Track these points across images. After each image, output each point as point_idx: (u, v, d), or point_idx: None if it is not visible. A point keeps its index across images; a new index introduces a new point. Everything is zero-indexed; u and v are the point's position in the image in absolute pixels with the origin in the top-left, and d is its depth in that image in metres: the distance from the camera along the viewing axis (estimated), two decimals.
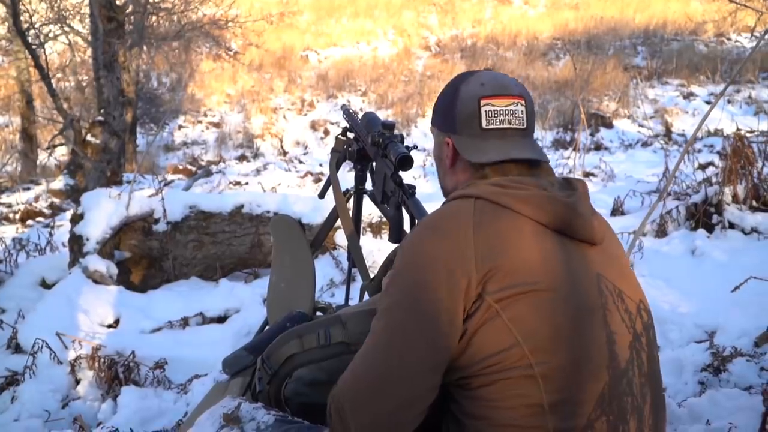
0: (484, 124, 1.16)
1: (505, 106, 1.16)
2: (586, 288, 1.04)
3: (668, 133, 8.70)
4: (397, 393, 0.98)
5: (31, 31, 8.76)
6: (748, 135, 4.29)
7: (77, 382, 2.44)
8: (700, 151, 6.32)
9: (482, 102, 1.16)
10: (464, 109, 1.17)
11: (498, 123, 1.16)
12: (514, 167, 1.15)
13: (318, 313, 1.74)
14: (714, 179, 3.87)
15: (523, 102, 1.17)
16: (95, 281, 3.20)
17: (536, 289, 1.00)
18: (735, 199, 3.59)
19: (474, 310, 1.00)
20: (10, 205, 7.08)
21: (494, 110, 1.16)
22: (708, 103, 9.76)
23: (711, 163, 5.20)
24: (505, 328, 0.98)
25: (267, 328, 1.72)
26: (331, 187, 1.92)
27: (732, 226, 3.50)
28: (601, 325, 1.03)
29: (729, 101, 9.31)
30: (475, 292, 1.00)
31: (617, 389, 1.01)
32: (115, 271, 3.31)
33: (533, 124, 1.19)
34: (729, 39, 13.10)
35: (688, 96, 10.35)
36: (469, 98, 1.17)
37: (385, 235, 3.74)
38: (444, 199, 1.24)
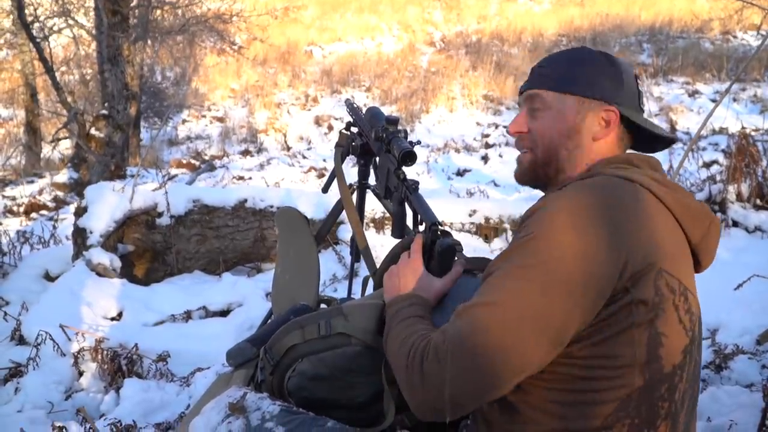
0: (641, 102, 1.15)
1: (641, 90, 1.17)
2: None
3: (673, 130, 8.68)
4: (509, 358, 0.91)
5: (36, 24, 8.78)
6: (753, 133, 4.27)
7: (80, 374, 2.45)
8: (704, 149, 6.30)
9: (638, 81, 1.15)
10: (630, 82, 1.12)
11: (643, 105, 1.15)
12: (655, 162, 1.12)
13: (322, 306, 1.75)
14: (718, 177, 3.86)
15: None
16: (99, 274, 3.21)
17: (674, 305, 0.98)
18: (739, 197, 3.59)
19: (614, 304, 0.94)
20: (14, 198, 7.10)
21: (641, 91, 1.15)
22: (713, 101, 9.73)
23: (715, 161, 5.20)
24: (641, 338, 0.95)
25: (271, 320, 1.72)
26: (335, 181, 1.92)
27: (736, 224, 3.49)
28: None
29: (734, 99, 9.28)
30: (622, 285, 0.94)
31: (653, 394, 0.98)
32: (118, 264, 3.32)
33: None
34: (735, 37, 13.04)
35: (693, 94, 10.32)
36: (629, 73, 1.13)
37: (388, 231, 3.74)
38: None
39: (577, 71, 1.13)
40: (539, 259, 0.94)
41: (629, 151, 1.17)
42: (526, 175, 1.18)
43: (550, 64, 1.16)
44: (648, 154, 1.15)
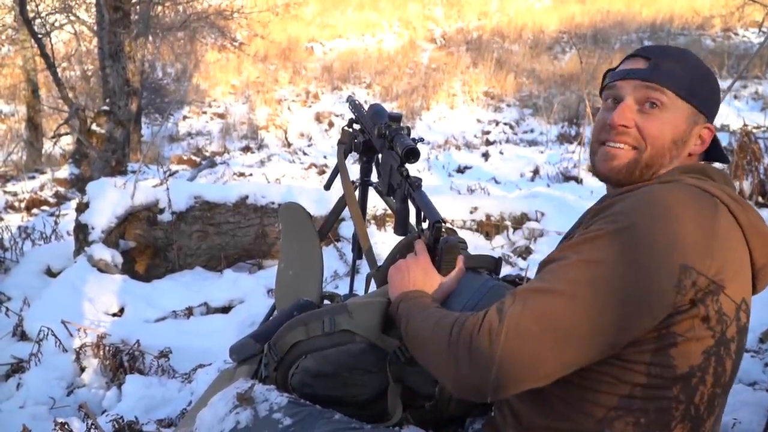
0: None
1: None
2: None
3: None
4: (562, 350, 0.90)
5: (38, 20, 8.77)
6: (754, 131, 4.26)
7: (82, 369, 2.46)
8: None
9: None
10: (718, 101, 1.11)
11: None
12: (729, 177, 1.10)
13: (325, 302, 1.75)
14: None
15: None
16: (100, 270, 3.21)
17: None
18: (741, 194, 3.58)
19: (679, 315, 0.92)
20: (15, 194, 7.11)
21: None
22: None
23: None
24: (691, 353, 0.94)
25: (274, 315, 1.72)
26: (338, 178, 1.92)
27: None
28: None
29: (736, 97, 9.27)
30: (690, 297, 0.92)
31: (693, 402, 0.96)
32: (120, 260, 3.33)
33: None
34: (736, 34, 13.02)
35: None
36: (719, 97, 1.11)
37: (390, 228, 3.74)
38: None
39: (702, 82, 1.08)
40: (603, 257, 0.91)
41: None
42: (620, 173, 1.08)
43: (679, 63, 1.08)
44: (719, 167, 1.12)
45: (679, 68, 1.07)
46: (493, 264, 1.28)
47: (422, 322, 1.05)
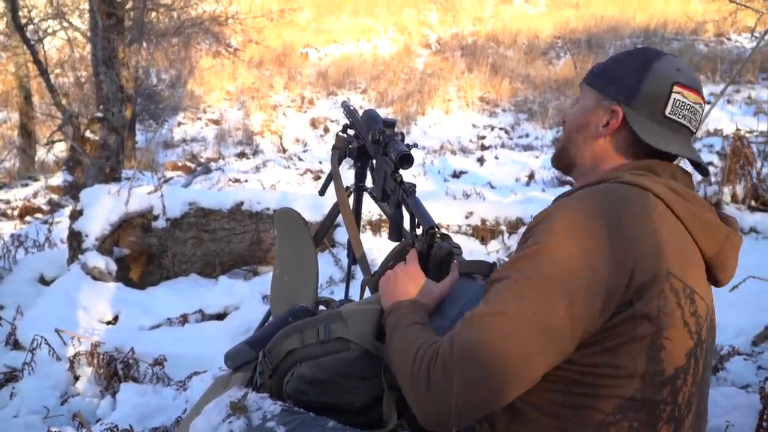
0: (667, 111, 1.08)
1: (693, 102, 1.10)
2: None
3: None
4: (516, 368, 0.91)
5: (30, 27, 8.76)
6: (747, 135, 4.29)
7: (76, 378, 2.44)
8: (700, 150, 6.32)
9: (675, 88, 1.08)
10: (652, 87, 1.08)
11: (680, 117, 1.09)
12: (680, 173, 1.10)
13: (321, 307, 1.74)
14: (713, 179, 3.88)
15: (704, 105, 1.12)
16: (94, 278, 3.20)
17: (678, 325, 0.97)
18: (734, 198, 3.60)
19: (618, 316, 0.94)
20: (8, 202, 7.08)
21: (683, 103, 1.09)
22: (708, 102, 9.74)
23: (710, 163, 5.21)
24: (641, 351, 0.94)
25: (269, 321, 1.72)
26: (332, 184, 1.92)
27: None
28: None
29: (729, 101, 9.32)
30: (628, 297, 0.94)
31: (654, 398, 0.97)
32: (114, 267, 3.31)
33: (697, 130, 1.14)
34: (729, 39, 13.10)
35: None
36: (662, 78, 1.08)
37: (385, 233, 3.74)
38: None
39: (608, 68, 1.15)
40: (545, 270, 0.93)
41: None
42: (553, 162, 1.25)
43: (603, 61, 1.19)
44: (678, 164, 1.12)
45: (599, 63, 1.18)
46: (488, 269, 1.28)
47: (398, 344, 1.06)
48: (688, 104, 1.10)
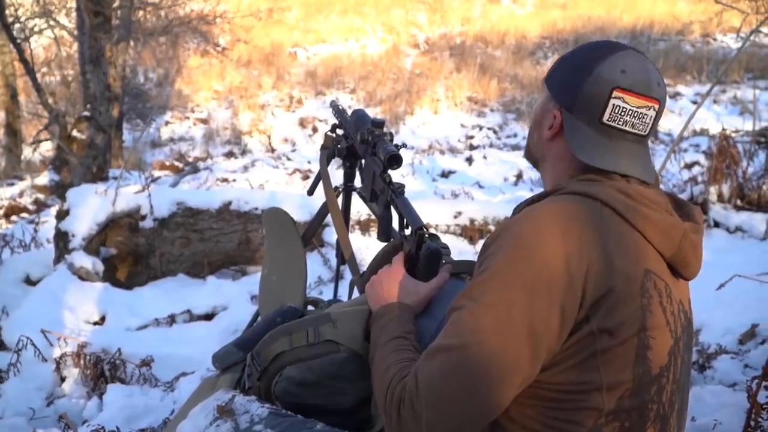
0: (605, 117, 1.02)
1: (637, 107, 1.02)
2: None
3: (655, 132, 8.76)
4: (482, 402, 0.91)
5: (17, 25, 8.68)
6: (733, 135, 4.33)
7: (62, 379, 2.42)
8: (686, 150, 6.37)
9: (614, 93, 1.01)
10: (590, 91, 1.02)
11: (620, 123, 1.02)
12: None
13: (309, 308, 1.74)
14: (700, 178, 3.91)
15: (657, 107, 1.04)
16: (81, 278, 3.17)
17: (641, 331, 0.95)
18: (720, 198, 3.64)
19: (576, 334, 0.93)
20: None
21: (623, 108, 1.01)
22: (694, 102, 9.84)
23: (697, 163, 5.25)
24: (595, 367, 0.94)
25: (257, 322, 1.71)
26: (321, 184, 1.91)
27: (717, 224, 3.54)
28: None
29: (715, 101, 9.40)
30: (583, 314, 0.93)
31: (643, 397, 0.97)
32: (101, 267, 3.29)
33: (655, 129, 1.08)
34: (715, 39, 13.21)
35: (675, 96, 10.43)
36: (601, 81, 1.01)
37: (374, 233, 3.73)
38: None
39: (559, 66, 1.11)
40: (499, 297, 0.93)
41: None
42: (524, 155, 1.24)
43: None
44: (636, 176, 1.06)
45: (560, 57, 1.15)
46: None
47: (377, 362, 1.06)
48: (631, 109, 1.02)
